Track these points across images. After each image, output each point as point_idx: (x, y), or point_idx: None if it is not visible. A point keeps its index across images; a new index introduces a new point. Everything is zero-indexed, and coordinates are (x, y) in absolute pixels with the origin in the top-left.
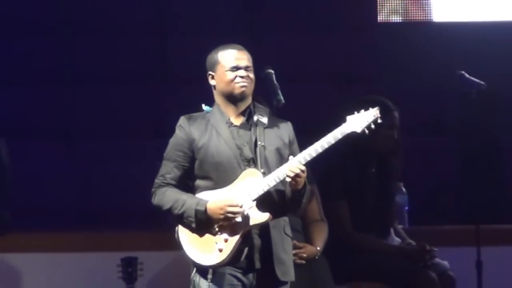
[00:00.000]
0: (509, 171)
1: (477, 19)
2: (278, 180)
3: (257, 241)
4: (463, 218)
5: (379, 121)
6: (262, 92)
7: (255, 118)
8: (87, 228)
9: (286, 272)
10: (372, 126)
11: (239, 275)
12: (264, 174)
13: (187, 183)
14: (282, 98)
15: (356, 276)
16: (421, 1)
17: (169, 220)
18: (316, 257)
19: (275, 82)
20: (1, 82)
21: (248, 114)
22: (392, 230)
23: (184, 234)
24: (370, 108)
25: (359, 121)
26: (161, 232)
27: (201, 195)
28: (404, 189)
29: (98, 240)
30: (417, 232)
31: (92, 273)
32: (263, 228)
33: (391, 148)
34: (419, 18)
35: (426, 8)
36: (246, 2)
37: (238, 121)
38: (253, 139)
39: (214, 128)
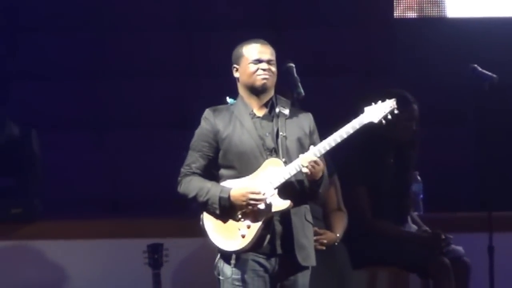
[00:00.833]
0: None
1: (489, 14)
2: (298, 169)
3: (278, 227)
4: (475, 205)
5: (396, 111)
6: (283, 85)
7: (277, 109)
8: (115, 215)
9: (307, 257)
10: (389, 116)
11: (262, 260)
12: (286, 163)
13: (211, 172)
14: (302, 91)
15: (373, 262)
16: None
17: (193, 208)
18: (336, 244)
19: (296, 75)
20: (31, 75)
21: (270, 105)
22: (409, 218)
23: (208, 221)
24: (387, 100)
25: (377, 111)
26: (185, 219)
27: (225, 183)
28: (419, 178)
29: (125, 228)
30: (431, 219)
31: (119, 259)
32: (284, 215)
33: (410, 139)
34: (434, 14)
35: (440, 4)
36: None
37: (260, 112)
38: (275, 130)
39: (237, 119)
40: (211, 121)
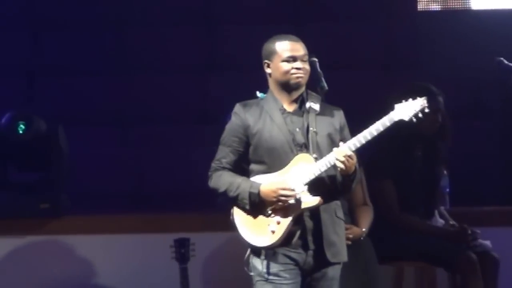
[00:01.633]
0: None
1: None
2: (329, 165)
3: (308, 223)
4: (502, 199)
5: (426, 110)
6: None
7: (307, 105)
8: (142, 210)
9: (337, 253)
10: (420, 115)
11: (293, 254)
12: (316, 159)
13: (242, 167)
14: (325, 85)
15: (399, 256)
16: None
17: (219, 202)
18: (362, 238)
19: (319, 69)
20: (58, 72)
21: (300, 101)
22: (436, 212)
23: (238, 216)
24: (418, 98)
25: (407, 109)
26: (212, 214)
27: (255, 178)
28: (445, 172)
29: (152, 222)
30: (458, 213)
31: (147, 254)
32: (314, 211)
33: (437, 131)
34: (458, 6)
35: None
36: None
37: (291, 107)
38: (305, 125)
39: (268, 115)
40: (241, 116)
